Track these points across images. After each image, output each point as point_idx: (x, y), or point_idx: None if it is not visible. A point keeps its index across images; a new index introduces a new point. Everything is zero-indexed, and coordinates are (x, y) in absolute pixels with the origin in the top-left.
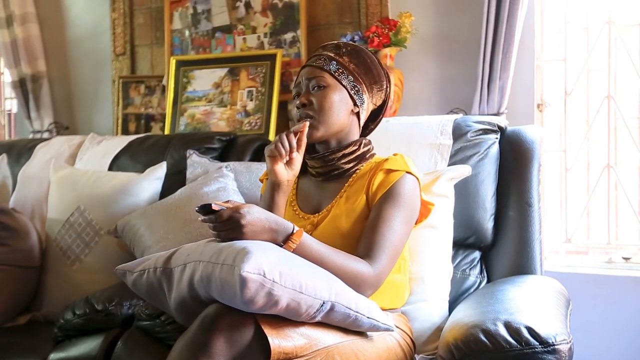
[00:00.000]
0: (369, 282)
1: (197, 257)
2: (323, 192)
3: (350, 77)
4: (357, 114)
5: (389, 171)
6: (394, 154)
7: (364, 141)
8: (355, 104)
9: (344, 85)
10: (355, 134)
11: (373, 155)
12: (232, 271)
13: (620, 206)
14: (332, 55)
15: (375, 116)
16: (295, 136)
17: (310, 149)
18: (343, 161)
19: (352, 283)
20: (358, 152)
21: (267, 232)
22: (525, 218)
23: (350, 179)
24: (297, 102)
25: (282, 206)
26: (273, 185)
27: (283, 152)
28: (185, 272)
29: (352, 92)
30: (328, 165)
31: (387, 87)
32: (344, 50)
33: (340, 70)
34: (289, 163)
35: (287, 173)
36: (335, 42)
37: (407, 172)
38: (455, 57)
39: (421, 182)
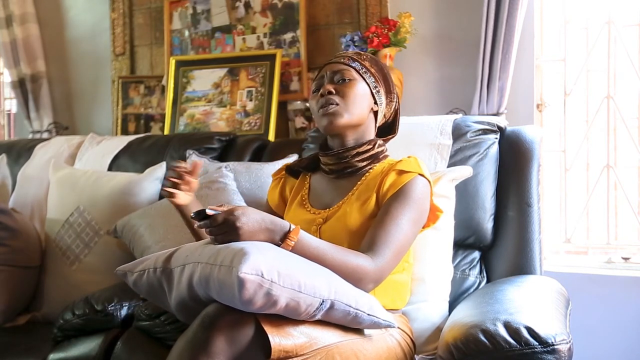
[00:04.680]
0: (370, 276)
1: (195, 258)
2: (335, 189)
3: (371, 77)
4: (375, 113)
5: (402, 172)
6: (408, 156)
7: (378, 142)
8: (375, 102)
9: (367, 83)
10: (371, 134)
11: (387, 156)
12: (230, 272)
13: (620, 206)
14: (355, 57)
15: (386, 131)
16: (179, 173)
17: (324, 146)
18: (357, 159)
19: (353, 278)
20: (372, 152)
21: (263, 232)
22: (524, 218)
23: (363, 178)
24: (321, 91)
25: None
26: (181, 208)
27: (173, 191)
28: (184, 273)
29: (374, 90)
30: (342, 163)
31: (396, 102)
32: (364, 56)
33: (363, 70)
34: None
35: (188, 197)
36: (356, 51)
37: (420, 175)
38: (455, 57)
39: (433, 186)
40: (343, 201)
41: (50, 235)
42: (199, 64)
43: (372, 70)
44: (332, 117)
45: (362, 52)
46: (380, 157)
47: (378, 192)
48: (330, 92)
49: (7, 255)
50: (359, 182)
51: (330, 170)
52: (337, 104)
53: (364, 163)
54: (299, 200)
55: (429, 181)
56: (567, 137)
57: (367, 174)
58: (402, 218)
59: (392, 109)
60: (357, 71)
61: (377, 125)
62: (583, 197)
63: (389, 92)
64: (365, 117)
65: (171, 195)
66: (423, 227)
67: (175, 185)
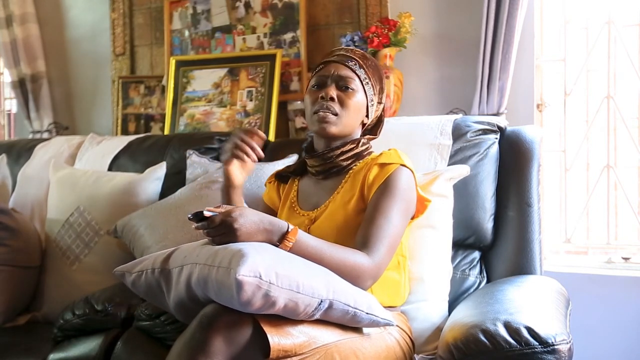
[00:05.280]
0: (368, 273)
1: (193, 259)
2: (322, 189)
3: (371, 90)
4: (363, 124)
5: (384, 165)
6: (389, 149)
7: (362, 140)
8: (367, 115)
9: (366, 94)
10: (355, 136)
11: (370, 152)
12: (228, 274)
13: (620, 206)
14: (361, 62)
15: (367, 132)
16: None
17: (309, 148)
18: (341, 158)
19: (351, 276)
20: (356, 150)
21: (261, 233)
22: (524, 218)
23: (347, 176)
24: (322, 93)
25: (240, 203)
26: (228, 189)
27: (244, 157)
28: (182, 274)
29: (369, 103)
30: (327, 163)
31: (382, 109)
32: (370, 62)
33: (366, 80)
34: (243, 165)
35: (242, 176)
36: (361, 51)
37: (402, 165)
38: (455, 57)
39: (416, 176)
40: (329, 200)
41: (50, 235)
42: (199, 64)
43: (373, 80)
44: (327, 125)
45: (367, 55)
46: (364, 154)
47: (362, 187)
48: (332, 99)
49: (7, 255)
50: (343, 180)
51: (316, 171)
52: (336, 114)
53: (348, 162)
54: (289, 204)
55: (412, 171)
56: (567, 137)
57: (351, 171)
58: (391, 211)
59: (376, 116)
60: (361, 81)
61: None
62: (583, 197)
63: (379, 102)
64: (355, 128)
65: (233, 158)
66: (412, 218)
67: (238, 153)
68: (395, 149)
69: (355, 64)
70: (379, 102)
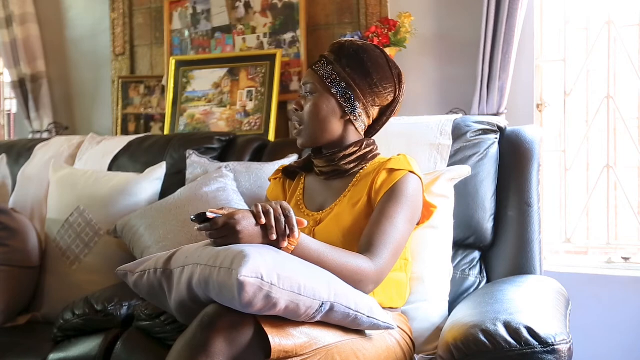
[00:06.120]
0: (370, 278)
1: (195, 259)
2: (328, 190)
3: (342, 83)
4: (351, 120)
5: (392, 170)
6: (398, 154)
7: (366, 142)
8: (344, 112)
9: (332, 94)
10: (353, 137)
11: (377, 155)
12: (230, 275)
13: (620, 206)
14: (332, 58)
15: (382, 115)
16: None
17: (316, 149)
18: (344, 162)
19: (353, 280)
20: (359, 153)
21: (264, 237)
22: (524, 218)
23: (355, 179)
24: (292, 105)
25: None
26: None
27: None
28: (183, 274)
29: (342, 100)
30: (331, 165)
31: (396, 87)
32: (345, 52)
33: (333, 77)
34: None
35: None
36: (344, 40)
37: (410, 172)
38: (455, 57)
39: (424, 183)
40: (336, 203)
41: (50, 235)
42: (199, 64)
43: (347, 71)
44: (298, 139)
45: (346, 44)
46: (369, 157)
47: (370, 191)
48: (296, 110)
49: (7, 255)
50: (350, 184)
51: (321, 172)
52: (300, 125)
53: (352, 165)
54: (294, 202)
55: (420, 178)
56: (567, 137)
57: (358, 175)
58: (397, 217)
59: (392, 95)
60: (325, 81)
61: (367, 121)
62: (583, 197)
63: (374, 85)
64: (333, 130)
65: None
66: (418, 224)
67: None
68: (405, 155)
69: (323, 63)
70: (373, 87)
